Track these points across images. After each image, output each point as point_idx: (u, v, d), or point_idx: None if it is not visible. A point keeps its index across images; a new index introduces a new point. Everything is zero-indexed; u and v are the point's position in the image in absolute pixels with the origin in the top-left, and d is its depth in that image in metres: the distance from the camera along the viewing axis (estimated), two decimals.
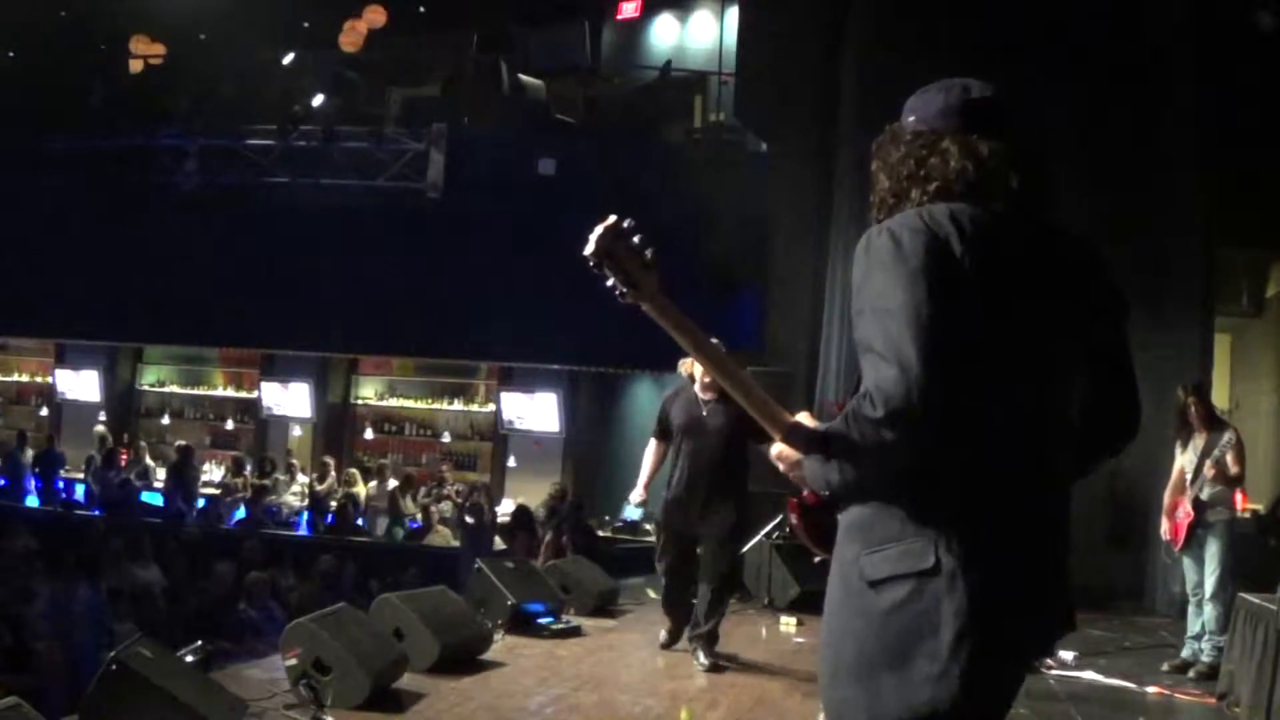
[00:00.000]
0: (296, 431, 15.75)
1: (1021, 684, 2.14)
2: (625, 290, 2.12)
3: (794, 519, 2.29)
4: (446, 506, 13.25)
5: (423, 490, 13.83)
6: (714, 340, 2.29)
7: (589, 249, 2.10)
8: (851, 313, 2.04)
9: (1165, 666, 6.53)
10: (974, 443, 1.97)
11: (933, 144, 2.12)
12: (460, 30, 14.45)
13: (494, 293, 12.37)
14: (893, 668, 1.97)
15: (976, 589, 1.94)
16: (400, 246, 13.14)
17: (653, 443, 6.43)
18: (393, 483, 13.84)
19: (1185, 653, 6.53)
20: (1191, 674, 6.30)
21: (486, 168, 13.24)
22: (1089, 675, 6.33)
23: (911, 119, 2.19)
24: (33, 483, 14.79)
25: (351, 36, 14.87)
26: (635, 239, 2.12)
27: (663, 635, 6.62)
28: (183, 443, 15.06)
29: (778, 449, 2.15)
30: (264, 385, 15.58)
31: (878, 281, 1.97)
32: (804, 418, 2.14)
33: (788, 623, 7.74)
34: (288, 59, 15.30)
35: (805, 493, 2.22)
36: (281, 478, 14.33)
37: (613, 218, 2.13)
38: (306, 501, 14.01)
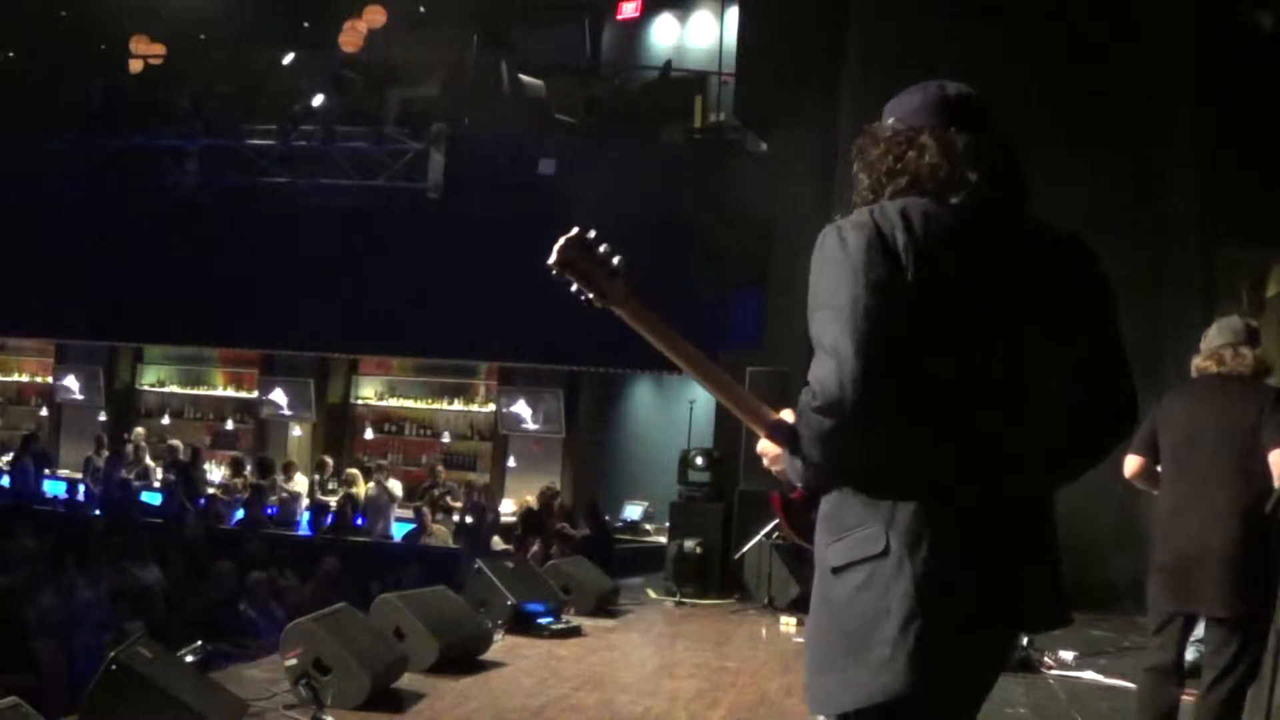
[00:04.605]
0: (296, 431, 15.75)
1: (994, 678, 2.15)
2: (591, 298, 2.20)
3: (778, 514, 2.34)
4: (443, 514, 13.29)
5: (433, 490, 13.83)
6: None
7: (550, 259, 2.19)
8: (807, 312, 2.09)
9: None
10: (920, 430, 2.01)
11: (910, 139, 2.15)
12: (460, 30, 14.45)
13: (494, 293, 12.36)
14: (854, 655, 2.00)
15: (923, 573, 1.96)
16: (400, 246, 13.14)
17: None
18: (393, 483, 13.83)
19: (1190, 655, 6.48)
20: None
21: (486, 168, 13.24)
22: (1089, 675, 6.33)
23: (890, 120, 2.22)
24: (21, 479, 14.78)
25: (351, 36, 14.86)
26: (601, 248, 2.20)
27: None
28: (176, 443, 15.05)
29: (762, 445, 2.21)
30: (264, 385, 15.58)
31: (825, 279, 2.04)
32: (787, 415, 2.17)
33: (788, 623, 7.74)
34: (288, 59, 15.29)
35: (795, 489, 2.26)
36: (279, 478, 14.32)
37: (575, 229, 2.20)
38: (306, 501, 14.01)
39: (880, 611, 1.97)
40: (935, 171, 2.10)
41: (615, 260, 2.19)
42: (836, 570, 2.04)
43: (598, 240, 2.20)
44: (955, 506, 2.01)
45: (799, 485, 2.17)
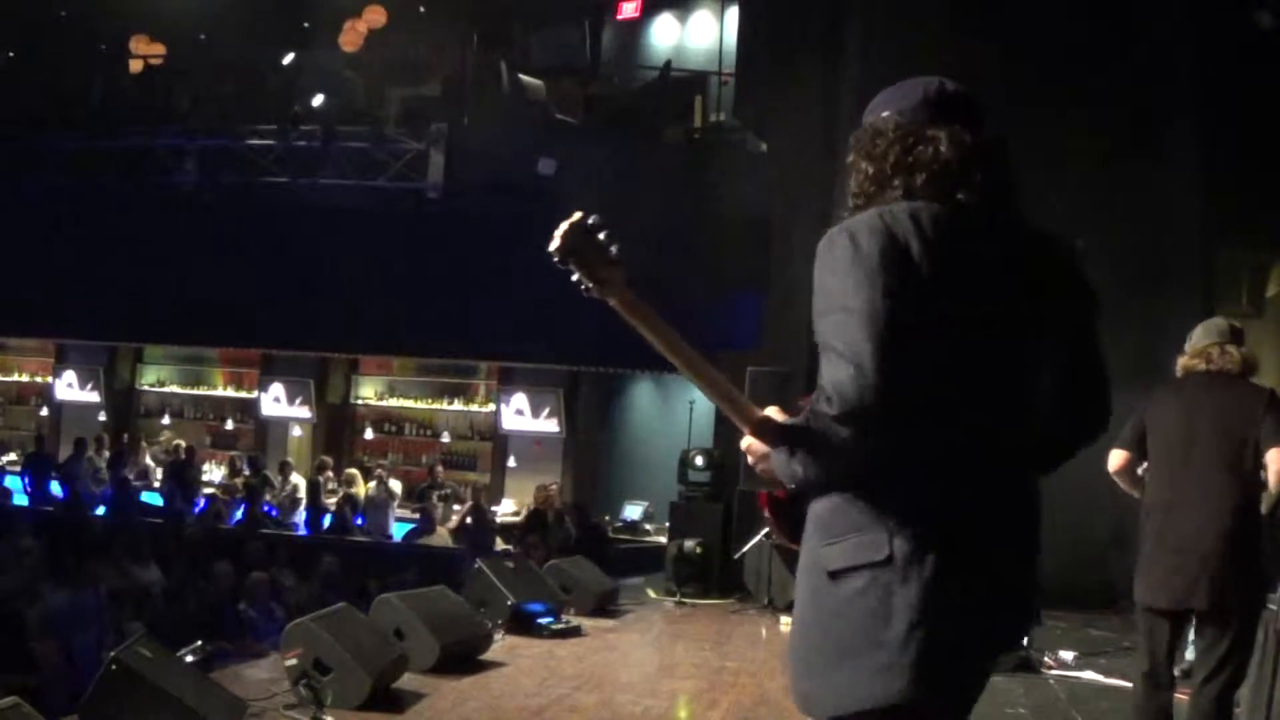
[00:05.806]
0: (296, 431, 15.75)
1: (986, 679, 2.16)
2: (590, 286, 2.16)
3: (766, 512, 2.33)
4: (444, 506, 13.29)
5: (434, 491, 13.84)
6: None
7: (553, 245, 2.15)
8: (812, 313, 2.05)
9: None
10: (930, 437, 1.99)
11: (916, 132, 2.13)
12: (460, 30, 14.44)
13: (494, 293, 12.36)
14: (849, 660, 1.99)
15: (929, 580, 1.96)
16: (400, 246, 13.14)
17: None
18: (395, 484, 13.83)
19: (1189, 655, 6.48)
20: None
21: (486, 168, 13.23)
22: (1089, 675, 6.34)
23: (886, 113, 2.20)
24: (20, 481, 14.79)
25: (351, 36, 14.86)
26: (601, 235, 2.16)
27: None
28: (180, 442, 15.06)
29: (748, 443, 2.19)
30: (264, 385, 15.58)
31: (837, 281, 1.99)
32: (773, 413, 2.16)
33: (787, 623, 7.71)
34: (288, 59, 15.28)
35: (780, 488, 2.24)
36: (274, 478, 14.32)
37: (578, 214, 2.17)
38: (305, 501, 14.01)
39: (881, 617, 1.96)
40: (948, 167, 2.09)
41: (614, 249, 2.16)
42: (835, 574, 2.02)
43: (598, 226, 2.17)
44: (960, 515, 2.00)
45: (790, 486, 2.15)
